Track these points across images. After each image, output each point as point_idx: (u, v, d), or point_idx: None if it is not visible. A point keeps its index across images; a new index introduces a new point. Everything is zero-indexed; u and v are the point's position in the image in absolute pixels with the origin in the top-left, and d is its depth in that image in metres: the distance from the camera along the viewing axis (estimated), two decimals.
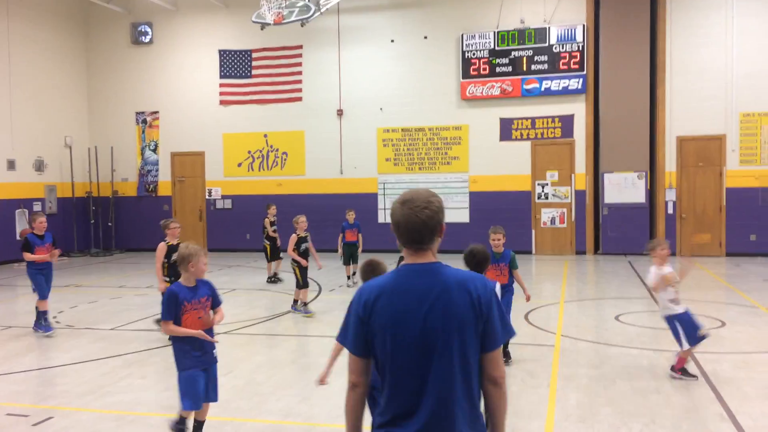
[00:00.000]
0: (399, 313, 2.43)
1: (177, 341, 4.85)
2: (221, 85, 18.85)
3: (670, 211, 16.20)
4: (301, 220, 10.22)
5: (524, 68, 16.71)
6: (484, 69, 16.96)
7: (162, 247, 8.43)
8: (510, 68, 16.81)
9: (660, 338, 8.31)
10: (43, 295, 8.98)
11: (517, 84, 16.79)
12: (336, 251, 12.83)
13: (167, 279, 8.32)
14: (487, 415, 2.56)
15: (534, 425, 5.45)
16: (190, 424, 5.00)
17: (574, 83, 16.45)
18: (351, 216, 12.78)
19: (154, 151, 19.49)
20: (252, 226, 18.63)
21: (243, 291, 12.37)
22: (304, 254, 10.00)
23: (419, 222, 2.46)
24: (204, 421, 5.05)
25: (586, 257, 16.38)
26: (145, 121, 19.51)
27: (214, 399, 4.99)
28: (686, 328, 6.38)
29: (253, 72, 18.60)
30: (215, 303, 5.01)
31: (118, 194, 19.61)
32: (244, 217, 18.67)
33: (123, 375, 7.07)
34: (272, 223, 13.41)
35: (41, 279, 9.01)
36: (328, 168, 18.16)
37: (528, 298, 7.51)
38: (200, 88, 19.03)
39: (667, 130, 16.10)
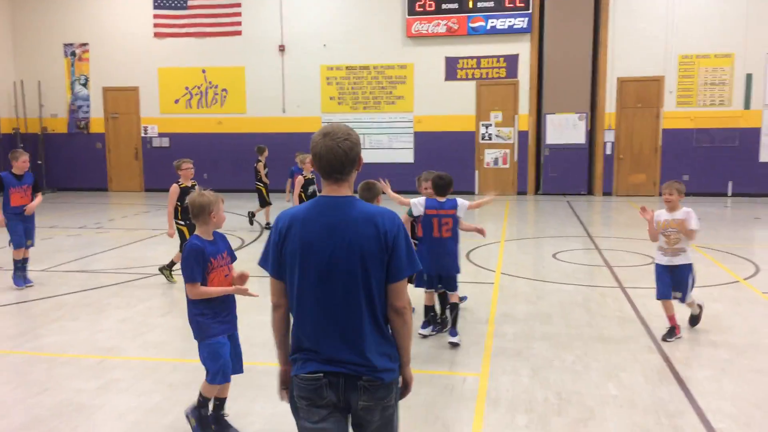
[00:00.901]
0: (308, 242, 2.57)
1: (198, 305, 4.08)
2: (155, 17, 17.91)
3: (609, 151, 16.53)
4: (308, 160, 9.37)
5: (470, 5, 16.45)
6: (430, 6, 16.62)
7: (175, 189, 7.98)
8: (456, 5, 16.52)
9: (594, 275, 8.57)
10: (18, 243, 7.90)
11: (463, 22, 16.55)
12: (284, 193, 12.50)
13: (182, 222, 7.97)
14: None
15: (473, 360, 5.56)
16: (210, 404, 4.31)
17: (520, 22, 16.33)
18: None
19: (85, 85, 18.54)
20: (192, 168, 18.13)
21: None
22: (312, 198, 9.61)
23: (341, 152, 2.57)
24: (226, 399, 4.34)
25: (527, 197, 16.65)
26: (74, 54, 18.44)
27: (240, 370, 4.31)
28: (656, 279, 6.09)
29: (189, 3, 17.73)
30: (232, 259, 4.32)
31: (47, 131, 18.68)
32: (182, 155, 17.89)
33: (55, 317, 6.85)
34: (265, 166, 12.50)
35: (19, 226, 7.88)
36: (271, 106, 17.69)
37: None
38: (133, 19, 18.05)
39: (608, 72, 16.25)
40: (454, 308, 5.96)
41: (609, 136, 16.46)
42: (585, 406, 4.62)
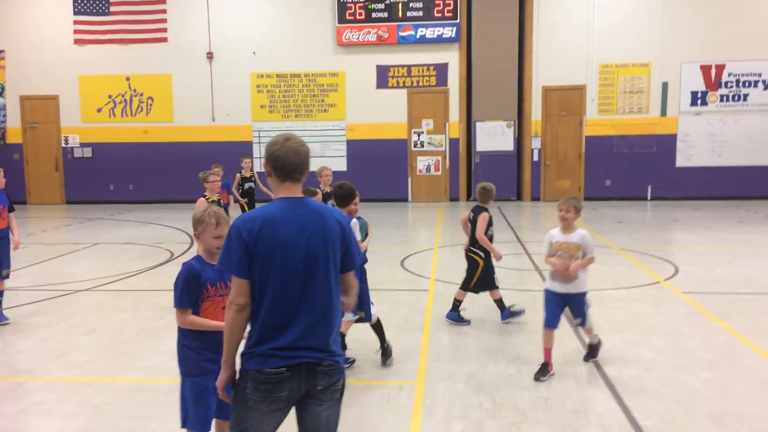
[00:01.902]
0: (284, 240, 2.75)
1: (187, 335, 3.58)
2: (76, 22, 17.27)
3: (536, 158, 17.01)
4: (326, 173, 8.69)
5: (400, 14, 16.63)
6: (360, 14, 16.70)
7: (201, 204, 7.34)
8: (386, 14, 16.66)
9: (524, 279, 8.77)
10: None
11: (393, 30, 16.70)
12: None
13: None
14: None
15: (409, 366, 5.59)
16: None
17: (449, 31, 16.61)
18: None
19: (1, 94, 17.66)
20: (115, 176, 17.57)
21: (106, 245, 11.66)
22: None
23: (303, 154, 2.87)
24: None
25: (460, 203, 16.91)
26: None
27: (227, 417, 3.59)
28: (544, 305, 5.53)
29: (111, 8, 17.18)
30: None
31: None
32: (106, 166, 17.53)
33: None
34: (248, 179, 11.85)
35: None
36: (199, 115, 17.32)
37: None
38: (52, 24, 17.34)
39: (534, 80, 16.73)
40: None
41: (536, 143, 16.94)
42: (518, 410, 4.71)
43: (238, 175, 11.75)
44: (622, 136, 16.67)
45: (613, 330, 6.47)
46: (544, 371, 5.29)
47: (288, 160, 2.82)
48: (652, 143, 16.63)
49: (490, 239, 6.83)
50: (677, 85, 16.42)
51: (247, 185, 11.78)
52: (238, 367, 2.86)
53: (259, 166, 17.05)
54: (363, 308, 5.43)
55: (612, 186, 16.77)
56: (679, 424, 4.43)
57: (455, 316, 6.78)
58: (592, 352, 5.67)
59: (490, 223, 6.86)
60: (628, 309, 7.20)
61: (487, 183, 7.14)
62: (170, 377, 5.37)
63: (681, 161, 16.63)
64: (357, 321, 5.52)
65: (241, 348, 2.86)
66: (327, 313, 2.82)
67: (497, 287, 6.87)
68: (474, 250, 6.84)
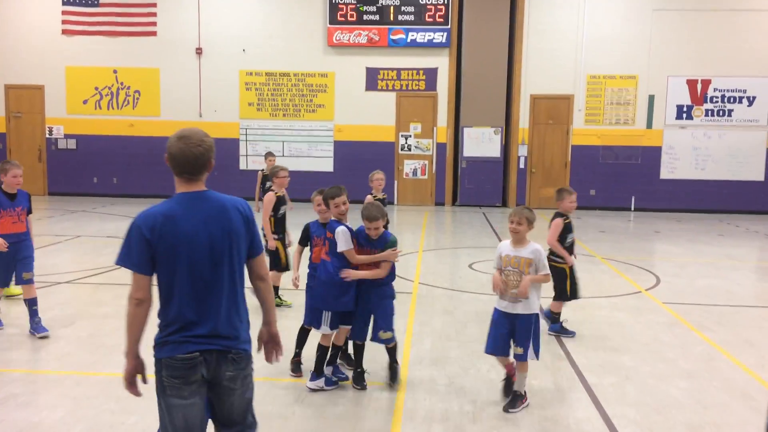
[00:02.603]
0: (188, 234, 2.83)
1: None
2: (64, 12, 17.11)
3: (522, 165, 17.10)
4: (377, 177, 8.18)
5: (391, 18, 16.67)
6: (352, 16, 16.71)
7: (270, 198, 7.17)
8: (377, 17, 16.69)
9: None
10: (3, 281, 6.36)
11: (384, 33, 16.72)
12: None
13: (275, 236, 7.20)
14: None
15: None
16: None
17: (439, 36, 16.67)
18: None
19: None
20: (99, 169, 17.42)
21: (88, 238, 11.54)
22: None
23: (192, 156, 2.87)
24: None
25: (445, 208, 16.96)
26: None
27: None
28: (490, 326, 5.10)
29: (101, 0, 17.03)
30: None
31: None
32: (90, 158, 17.36)
33: None
34: (270, 178, 10.98)
35: (5, 259, 6.22)
36: (186, 110, 17.21)
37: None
38: (40, 13, 17.16)
39: (522, 88, 16.83)
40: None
41: (522, 151, 17.03)
42: (499, 414, 4.72)
43: (260, 173, 11.29)
44: (608, 146, 16.82)
45: (594, 337, 6.52)
46: (514, 403, 4.78)
47: (178, 159, 2.89)
48: (637, 155, 16.80)
49: (568, 247, 6.60)
50: (663, 98, 16.61)
51: (269, 184, 10.91)
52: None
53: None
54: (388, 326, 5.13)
55: (596, 196, 16.90)
56: None
57: (557, 328, 6.55)
58: (513, 401, 4.78)
59: (566, 230, 6.65)
60: (610, 317, 7.26)
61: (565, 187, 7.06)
62: (150, 372, 5.32)
63: (665, 173, 16.80)
64: (377, 340, 5.14)
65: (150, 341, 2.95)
66: (235, 303, 2.95)
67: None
68: (553, 258, 6.50)
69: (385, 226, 5.19)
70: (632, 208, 16.80)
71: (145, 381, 2.97)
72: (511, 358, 4.90)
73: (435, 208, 16.83)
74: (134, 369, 2.95)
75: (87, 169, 17.37)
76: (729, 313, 7.53)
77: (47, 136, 17.51)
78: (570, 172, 17.01)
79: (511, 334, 4.82)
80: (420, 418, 4.65)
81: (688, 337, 6.64)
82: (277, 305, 7.09)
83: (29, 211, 6.51)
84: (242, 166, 17.31)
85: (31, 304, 6.26)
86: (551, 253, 6.52)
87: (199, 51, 17.05)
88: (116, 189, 17.45)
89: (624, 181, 16.79)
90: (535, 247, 4.82)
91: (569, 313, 7.40)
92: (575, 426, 4.55)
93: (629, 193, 16.85)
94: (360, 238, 5.05)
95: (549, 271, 4.88)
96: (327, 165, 17.18)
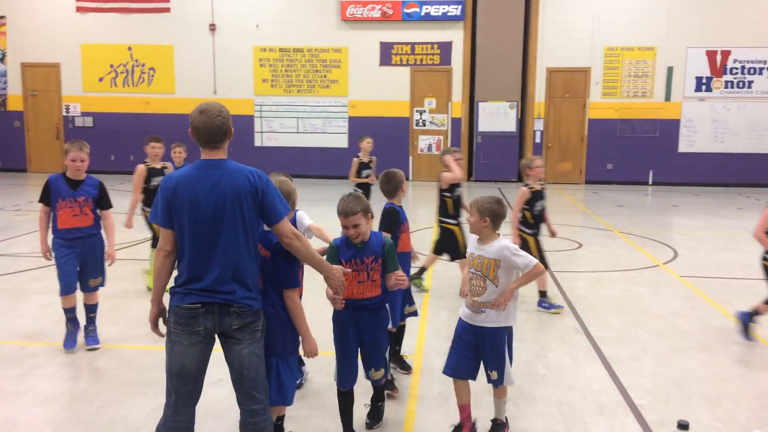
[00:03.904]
0: (195, 196, 3.11)
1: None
2: None
3: (538, 140, 16.97)
4: (367, 141, 8.38)
5: None
6: None
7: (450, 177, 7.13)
8: None
9: None
10: (66, 286, 5.30)
11: (397, 7, 16.55)
12: None
13: (450, 221, 7.13)
14: None
15: (408, 342, 5.60)
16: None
17: (453, 9, 16.47)
18: (176, 155, 8.14)
19: (2, 60, 17.53)
20: (116, 146, 17.51)
21: None
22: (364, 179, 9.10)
23: (214, 126, 3.15)
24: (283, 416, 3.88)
25: (461, 184, 16.86)
26: None
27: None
28: (452, 340, 4.11)
29: None
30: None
31: None
32: (107, 136, 17.45)
33: None
34: (366, 165, 9.32)
35: (68, 256, 5.26)
36: (201, 87, 17.21)
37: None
38: None
39: (538, 61, 16.63)
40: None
41: (538, 125, 16.89)
42: (514, 386, 4.74)
43: (355, 159, 9.25)
44: (626, 120, 16.63)
45: (611, 311, 6.52)
46: None
47: (201, 131, 3.15)
48: (655, 128, 16.59)
49: (537, 215, 6.45)
50: (682, 70, 16.34)
51: (364, 173, 9.19)
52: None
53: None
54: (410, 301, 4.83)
55: (613, 170, 16.75)
56: (674, 404, 4.48)
57: (544, 304, 6.49)
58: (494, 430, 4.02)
59: (534, 198, 6.38)
60: (626, 291, 7.25)
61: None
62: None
63: (683, 147, 16.60)
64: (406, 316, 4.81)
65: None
66: (239, 262, 3.15)
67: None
68: (520, 228, 6.43)
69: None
70: (650, 182, 16.63)
71: (165, 323, 3.24)
72: (468, 398, 3.97)
73: None
74: (157, 314, 3.28)
75: (104, 146, 17.47)
76: (747, 286, 7.47)
77: (64, 113, 17.61)
78: (587, 146, 16.85)
79: (476, 352, 3.90)
80: (436, 389, 4.68)
81: (705, 309, 6.61)
82: (417, 286, 6.97)
83: (102, 204, 5.44)
84: (257, 142, 17.34)
85: (89, 310, 5.48)
86: (520, 222, 6.44)
87: (212, 27, 16.99)
88: (133, 166, 17.31)
89: (642, 155, 16.61)
90: (502, 245, 3.82)
91: (586, 287, 7.40)
92: (591, 397, 4.57)
93: (647, 167, 16.67)
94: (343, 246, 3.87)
95: (532, 266, 3.77)
96: (341, 141, 17.15)
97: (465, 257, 6.08)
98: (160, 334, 3.27)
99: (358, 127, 17.12)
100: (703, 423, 4.20)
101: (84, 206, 5.30)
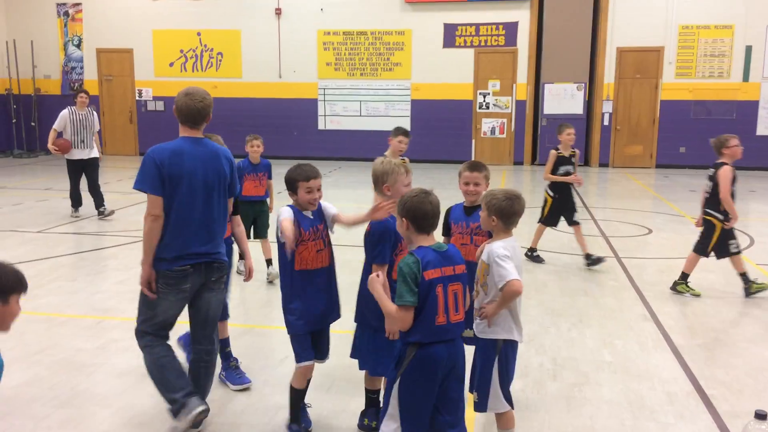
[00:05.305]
0: (189, 169, 3.54)
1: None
2: None
3: (606, 122, 16.48)
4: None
5: None
6: None
7: (553, 155, 7.52)
8: None
9: (590, 244, 8.59)
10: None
11: None
12: None
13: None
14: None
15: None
16: None
17: None
18: (254, 148, 6.94)
19: (78, 46, 18.27)
20: None
21: None
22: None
23: (195, 110, 3.61)
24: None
25: (524, 167, 16.63)
26: (67, 14, 18.13)
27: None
28: None
29: None
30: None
31: (40, 92, 18.43)
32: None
33: (52, 278, 6.85)
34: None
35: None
36: (266, 71, 17.48)
37: None
38: None
39: (608, 41, 16.11)
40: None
41: (607, 107, 16.40)
42: (580, 372, 4.67)
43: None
44: (700, 101, 15.94)
45: (682, 299, 6.31)
46: None
47: (183, 111, 3.61)
48: (731, 110, 15.85)
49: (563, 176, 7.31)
50: (762, 49, 15.51)
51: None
52: None
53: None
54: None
55: (687, 153, 16.12)
56: (747, 395, 4.32)
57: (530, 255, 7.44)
58: None
59: (560, 162, 7.29)
60: (699, 278, 6.97)
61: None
62: (241, 320, 5.56)
63: (762, 129, 15.81)
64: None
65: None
66: (220, 227, 3.70)
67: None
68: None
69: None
70: None
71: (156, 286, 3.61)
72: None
73: (513, 168, 16.53)
74: (148, 276, 3.59)
75: (175, 130, 17.55)
76: None
77: (137, 98, 18.23)
78: (658, 128, 16.27)
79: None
80: None
81: None
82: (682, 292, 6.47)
83: (235, 210, 4.98)
84: (320, 126, 17.51)
85: (223, 345, 4.46)
86: (548, 185, 7.54)
87: (278, 11, 17.19)
88: None
89: None
90: (492, 248, 3.38)
91: (656, 275, 7.19)
92: (660, 386, 4.45)
93: None
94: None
95: (503, 282, 3.25)
96: (404, 124, 17.07)
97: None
98: (152, 295, 3.59)
99: (421, 110, 17.06)
100: None
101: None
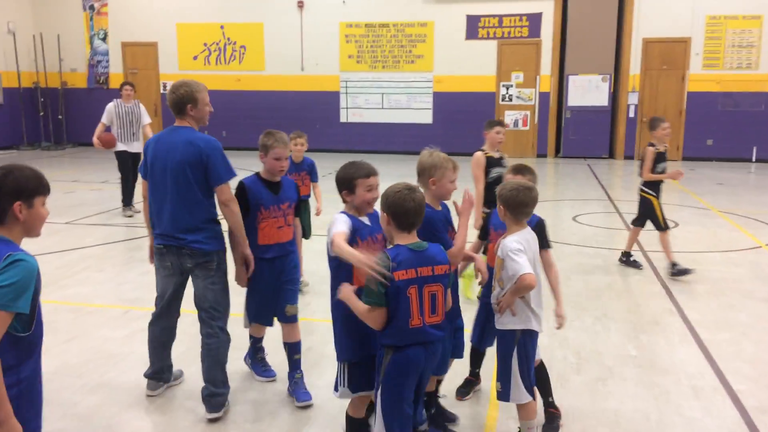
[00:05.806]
0: (158, 154, 3.83)
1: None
2: None
3: (632, 114, 16.27)
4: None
5: None
6: None
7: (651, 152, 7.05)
8: None
9: (614, 238, 8.52)
10: (257, 315, 4.23)
11: None
12: None
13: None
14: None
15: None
16: None
17: None
18: (298, 147, 6.37)
19: (104, 40, 18.48)
20: (210, 122, 18.08)
21: None
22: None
23: (170, 101, 3.89)
24: None
25: (547, 160, 16.50)
26: (92, 8, 18.33)
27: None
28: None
29: None
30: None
31: (67, 85, 18.70)
32: None
33: (80, 268, 6.97)
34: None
35: (263, 280, 4.05)
36: (289, 64, 17.53)
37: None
38: None
39: (634, 32, 15.88)
40: None
41: (632, 99, 16.18)
42: (604, 366, 4.65)
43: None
44: (728, 93, 15.66)
45: (708, 293, 6.24)
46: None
47: (168, 103, 3.93)
48: (760, 102, 15.55)
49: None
50: None
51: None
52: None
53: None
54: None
55: (714, 146, 15.87)
56: None
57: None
58: None
59: (658, 160, 6.95)
60: (726, 272, 6.90)
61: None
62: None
63: None
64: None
65: None
66: (186, 212, 3.79)
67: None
68: (642, 188, 7.03)
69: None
70: (753, 159, 15.64)
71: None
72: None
73: (537, 160, 16.41)
74: (149, 246, 4.13)
75: None
76: None
77: (162, 91, 18.39)
78: (685, 120, 16.03)
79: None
80: None
81: None
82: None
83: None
84: (342, 118, 17.53)
85: (293, 351, 4.16)
86: (644, 184, 7.06)
87: (300, 4, 17.21)
88: (225, 142, 17.91)
89: (745, 131, 15.62)
90: (505, 242, 3.37)
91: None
92: (686, 380, 4.41)
93: (750, 143, 15.67)
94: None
95: (517, 276, 3.25)
96: (426, 117, 17.07)
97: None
98: (151, 262, 4.11)
99: (443, 102, 16.99)
100: None
101: (288, 214, 4.14)
